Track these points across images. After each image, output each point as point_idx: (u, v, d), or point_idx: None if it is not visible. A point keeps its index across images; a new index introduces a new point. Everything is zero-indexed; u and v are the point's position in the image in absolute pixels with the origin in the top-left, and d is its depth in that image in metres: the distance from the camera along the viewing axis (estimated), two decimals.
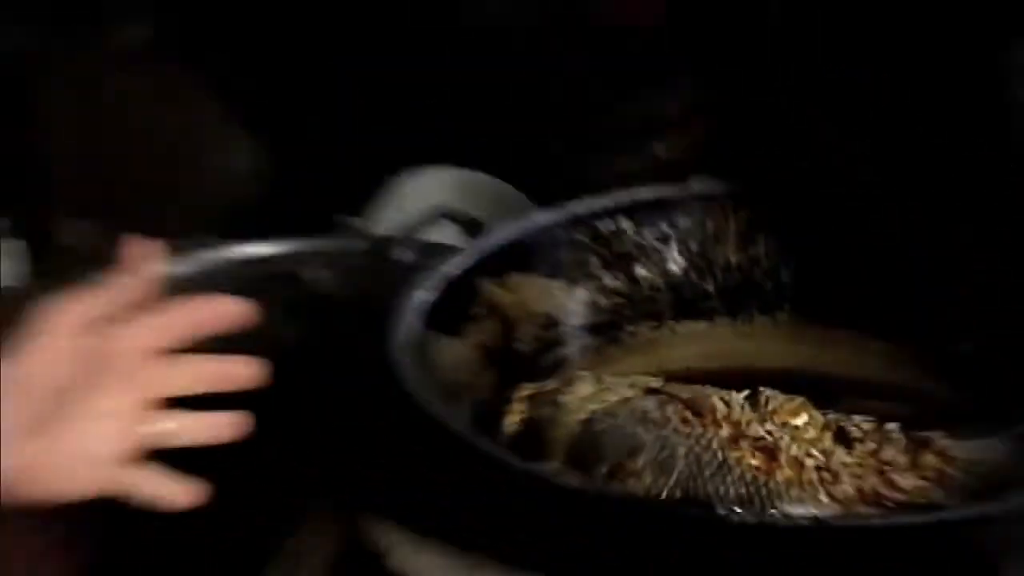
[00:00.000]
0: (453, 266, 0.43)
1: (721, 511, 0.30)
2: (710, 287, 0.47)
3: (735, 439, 0.34)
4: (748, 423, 0.34)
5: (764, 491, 0.31)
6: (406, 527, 0.34)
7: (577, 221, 0.47)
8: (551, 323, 0.45)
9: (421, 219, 0.58)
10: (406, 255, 0.53)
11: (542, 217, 0.48)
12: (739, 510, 0.30)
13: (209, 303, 0.25)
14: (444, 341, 0.40)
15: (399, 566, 0.33)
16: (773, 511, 0.30)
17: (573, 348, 0.44)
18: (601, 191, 0.49)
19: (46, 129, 0.72)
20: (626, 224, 0.46)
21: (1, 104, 0.69)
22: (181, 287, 0.30)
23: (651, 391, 0.37)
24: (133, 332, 0.23)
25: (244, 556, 0.40)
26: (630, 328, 0.46)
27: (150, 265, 0.25)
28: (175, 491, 0.23)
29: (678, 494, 0.31)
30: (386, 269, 0.51)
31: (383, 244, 0.55)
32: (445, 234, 0.58)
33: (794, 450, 0.33)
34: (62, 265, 0.61)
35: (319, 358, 0.45)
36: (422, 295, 0.40)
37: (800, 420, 0.35)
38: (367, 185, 0.64)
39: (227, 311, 0.25)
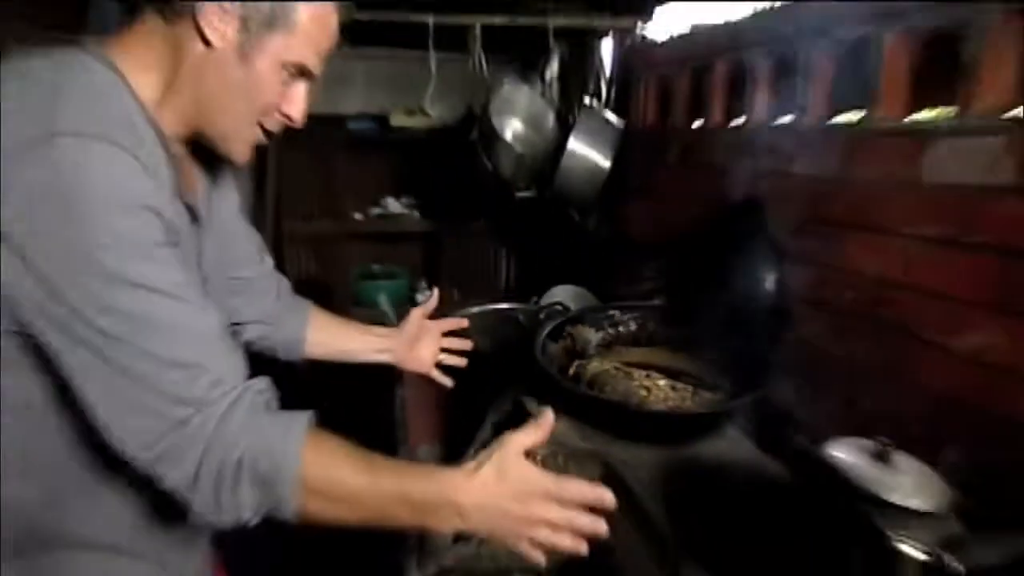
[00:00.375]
0: (559, 320, 1.26)
1: (634, 406, 1.11)
2: (641, 336, 1.29)
3: (642, 385, 1.15)
4: (645, 379, 1.16)
5: (646, 401, 1.12)
6: (539, 403, 1.14)
7: (600, 310, 1.30)
8: (586, 342, 1.27)
9: (555, 301, 1.45)
10: (551, 313, 1.39)
11: (588, 308, 1.30)
12: (639, 406, 1.12)
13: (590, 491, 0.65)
14: (552, 344, 1.23)
15: (534, 414, 1.14)
16: (650, 407, 1.12)
17: (592, 352, 1.26)
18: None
19: None
20: (615, 313, 1.29)
21: None
22: (476, 320, 1.16)
23: (617, 367, 1.19)
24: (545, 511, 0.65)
25: (478, 414, 1.23)
26: (615, 347, 1.27)
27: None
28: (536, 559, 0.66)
29: (623, 399, 1.12)
30: (543, 318, 1.37)
31: (543, 309, 1.41)
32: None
33: (656, 389, 1.14)
34: None
35: (519, 351, 1.29)
36: (547, 328, 1.23)
37: (662, 381, 1.17)
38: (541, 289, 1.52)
39: (600, 501, 0.64)
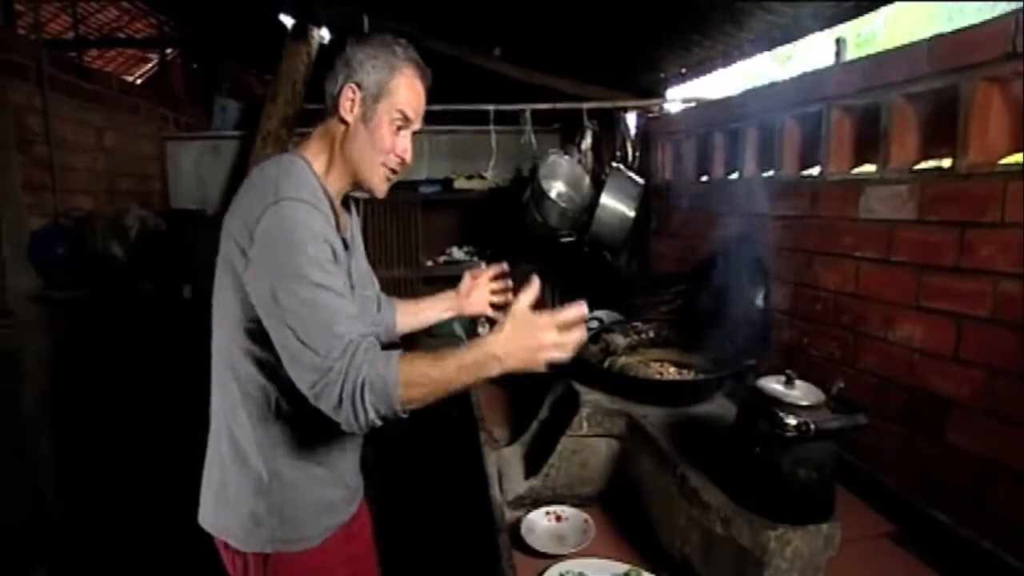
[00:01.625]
0: (597, 329, 1.68)
1: (651, 379, 1.51)
2: (658, 340, 1.69)
3: (657, 371, 1.55)
4: (659, 367, 1.56)
5: (657, 377, 1.51)
6: (583, 385, 1.55)
7: (626, 322, 1.72)
8: (616, 345, 1.68)
9: (595, 317, 1.87)
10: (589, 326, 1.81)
11: (617, 321, 1.72)
12: (652, 378, 1.51)
13: (574, 311, 0.97)
14: (592, 346, 1.65)
15: (583, 395, 1.54)
16: (659, 378, 1.51)
17: (621, 351, 1.66)
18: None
19: None
20: (638, 324, 1.70)
21: None
22: None
23: (639, 361, 1.59)
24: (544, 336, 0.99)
25: (537, 400, 1.64)
26: (639, 348, 1.68)
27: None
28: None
29: (641, 375, 1.52)
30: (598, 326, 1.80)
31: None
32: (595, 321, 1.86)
33: (667, 374, 1.54)
34: None
35: None
36: (589, 334, 1.65)
37: (672, 368, 1.56)
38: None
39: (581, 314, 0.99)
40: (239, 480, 1.10)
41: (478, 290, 1.48)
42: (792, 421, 0.90)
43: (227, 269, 1.02)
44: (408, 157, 1.11)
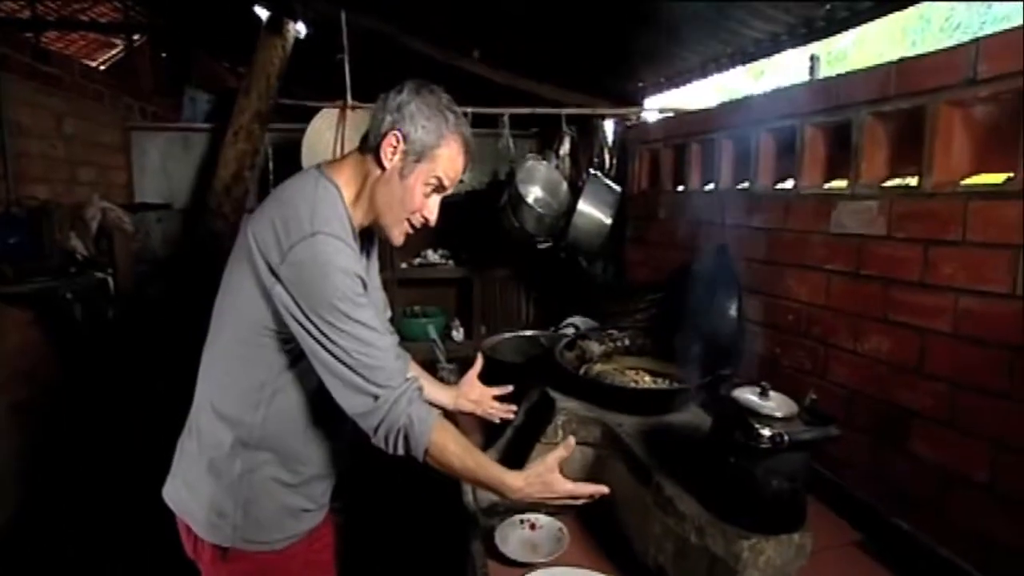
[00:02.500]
0: (572, 336, 1.69)
1: (626, 386, 1.52)
2: (633, 348, 1.70)
3: (632, 379, 1.56)
4: (634, 375, 1.57)
5: (632, 385, 1.53)
6: (558, 392, 1.55)
7: (602, 329, 1.73)
8: (591, 352, 1.69)
9: (570, 323, 1.88)
10: (566, 332, 1.82)
11: (593, 328, 1.73)
12: (627, 386, 1.52)
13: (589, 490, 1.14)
14: (567, 353, 1.65)
15: (558, 402, 1.54)
16: (634, 386, 1.53)
17: (596, 358, 1.67)
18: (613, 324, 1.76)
19: None
20: (614, 332, 1.71)
21: None
22: (508, 342, 1.61)
23: (615, 368, 1.60)
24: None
25: (510, 404, 1.64)
26: (614, 356, 1.69)
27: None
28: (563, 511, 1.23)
29: (617, 383, 1.53)
30: (560, 334, 1.80)
31: (561, 330, 1.84)
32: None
33: (642, 382, 1.55)
34: None
35: (543, 360, 1.72)
36: (563, 341, 1.66)
37: (647, 377, 1.58)
38: (557, 320, 1.98)
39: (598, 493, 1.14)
40: (210, 468, 1.11)
41: (477, 391, 1.55)
42: (767, 432, 0.91)
43: (249, 272, 1.04)
44: (433, 219, 1.15)
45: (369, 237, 1.21)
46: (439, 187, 1.11)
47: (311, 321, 0.99)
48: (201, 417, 1.13)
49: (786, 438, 0.90)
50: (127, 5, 3.99)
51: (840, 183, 1.61)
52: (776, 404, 0.96)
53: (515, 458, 1.45)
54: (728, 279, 1.83)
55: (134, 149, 3.16)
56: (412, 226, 1.13)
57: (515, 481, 1.10)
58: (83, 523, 2.36)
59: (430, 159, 1.07)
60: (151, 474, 1.28)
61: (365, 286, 1.05)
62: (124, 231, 2.54)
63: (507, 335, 2.23)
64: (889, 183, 1.47)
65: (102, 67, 4.70)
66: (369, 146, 1.09)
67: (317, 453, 1.17)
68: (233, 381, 1.10)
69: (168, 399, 2.65)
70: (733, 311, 1.77)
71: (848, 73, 1.55)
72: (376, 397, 1.01)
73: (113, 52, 4.73)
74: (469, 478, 1.13)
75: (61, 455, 2.40)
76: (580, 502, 1.15)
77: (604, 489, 1.15)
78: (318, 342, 1.00)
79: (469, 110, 2.50)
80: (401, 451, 1.05)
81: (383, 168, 1.07)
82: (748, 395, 1.00)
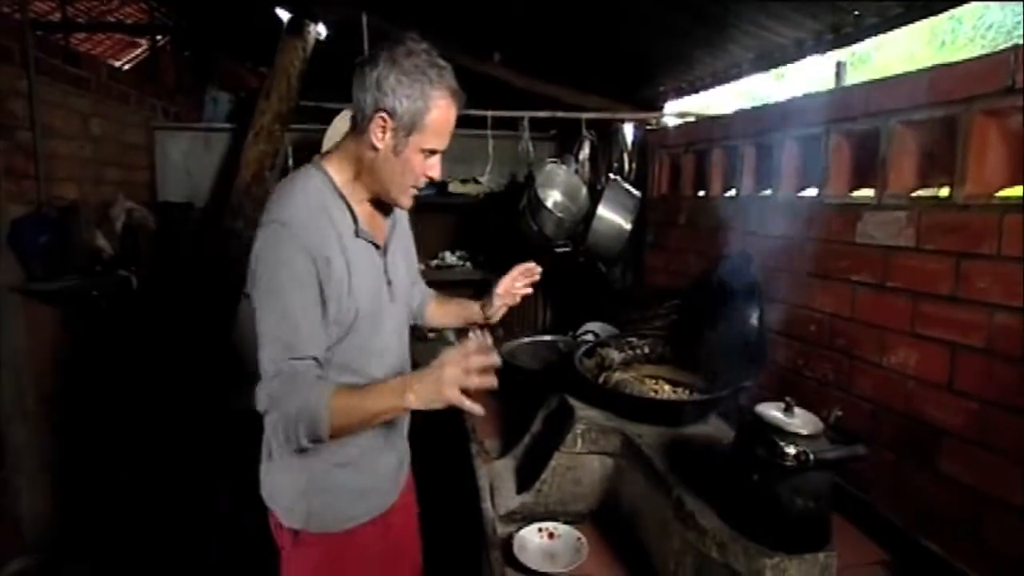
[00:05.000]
0: (591, 343, 1.68)
1: (646, 397, 1.51)
2: (652, 356, 1.69)
3: (651, 388, 1.55)
4: (654, 384, 1.56)
5: (653, 395, 1.51)
6: (577, 399, 1.54)
7: (622, 336, 1.72)
8: (611, 360, 1.68)
9: (589, 330, 1.87)
10: (585, 339, 1.81)
11: (613, 335, 1.72)
12: (647, 397, 1.51)
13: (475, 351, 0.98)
14: (586, 360, 1.64)
15: (577, 411, 1.53)
16: (655, 396, 1.51)
17: (616, 366, 1.66)
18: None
19: None
20: (633, 339, 1.70)
21: None
22: (526, 347, 1.61)
23: (634, 377, 1.59)
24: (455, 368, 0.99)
25: (529, 414, 1.64)
26: (634, 364, 1.68)
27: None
28: (475, 409, 1.00)
29: (637, 393, 1.52)
30: (579, 342, 1.79)
31: (580, 337, 1.83)
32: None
33: (661, 390, 1.54)
34: None
35: (561, 367, 1.72)
36: (582, 348, 1.65)
37: (667, 386, 1.56)
38: (575, 326, 1.98)
39: (483, 356, 0.98)
40: (279, 458, 1.19)
41: (502, 285, 1.53)
42: (792, 451, 0.90)
43: None
44: (436, 175, 1.15)
45: (387, 211, 1.24)
46: (435, 151, 1.12)
47: (256, 312, 1.06)
48: None
49: (811, 457, 0.89)
50: (152, 6, 4.05)
51: (866, 193, 1.58)
52: (801, 421, 0.95)
53: (532, 466, 1.46)
54: (749, 287, 1.80)
55: (157, 149, 3.21)
56: (418, 188, 1.16)
57: (411, 378, 1.04)
58: (123, 519, 2.41)
59: (420, 129, 1.06)
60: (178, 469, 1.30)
61: (331, 265, 1.06)
62: (148, 230, 2.57)
63: (525, 340, 2.23)
64: (918, 193, 1.44)
65: (126, 67, 4.77)
66: (358, 128, 1.09)
67: (368, 436, 1.20)
68: None
69: (186, 394, 2.71)
70: (754, 320, 1.74)
71: (877, 81, 1.52)
72: (281, 371, 1.02)
73: (137, 52, 4.80)
74: (378, 417, 1.07)
75: (93, 447, 2.45)
76: (482, 362, 1.01)
77: (486, 339, 1.06)
78: (256, 315, 1.06)
79: (489, 113, 2.52)
80: (305, 443, 1.02)
81: (376, 149, 1.08)
82: (773, 411, 0.98)
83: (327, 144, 2.67)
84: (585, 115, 2.49)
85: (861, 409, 1.51)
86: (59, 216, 2.26)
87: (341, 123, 2.69)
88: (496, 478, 1.50)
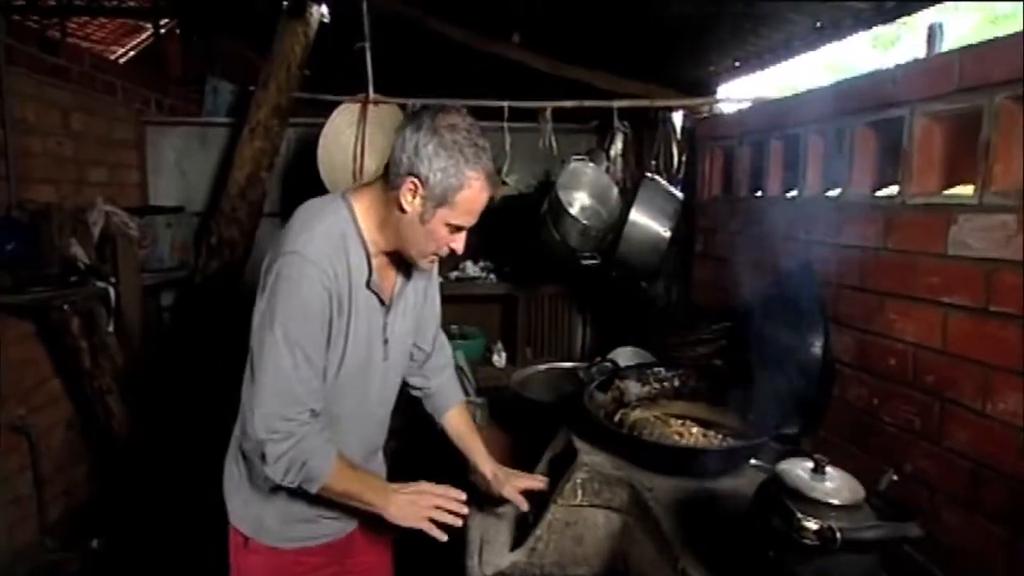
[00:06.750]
0: (607, 374, 1.55)
1: (668, 444, 1.37)
2: (683, 391, 1.54)
3: (676, 431, 1.40)
4: (680, 426, 1.42)
5: (680, 442, 1.37)
6: (584, 441, 1.41)
7: (645, 367, 1.58)
8: (629, 395, 1.54)
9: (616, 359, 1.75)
10: (601, 369, 1.69)
11: (634, 364, 1.59)
12: (672, 442, 1.36)
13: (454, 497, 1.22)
14: (601, 395, 1.51)
15: (581, 455, 1.41)
16: (673, 442, 1.37)
17: (634, 402, 1.52)
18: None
19: None
20: (660, 370, 1.57)
21: None
22: (541, 375, 1.48)
23: (656, 416, 1.46)
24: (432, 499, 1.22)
25: (536, 453, 1.52)
26: (660, 399, 1.53)
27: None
28: (437, 535, 1.20)
29: (657, 439, 1.38)
30: (595, 373, 1.67)
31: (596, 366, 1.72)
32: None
33: (688, 435, 1.40)
34: None
35: (571, 396, 1.61)
36: (595, 381, 1.52)
37: (695, 429, 1.43)
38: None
39: (457, 503, 1.21)
40: (238, 456, 1.32)
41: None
42: (812, 525, 0.78)
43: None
44: (460, 250, 1.25)
45: (405, 268, 1.33)
46: (462, 226, 1.21)
47: (257, 336, 1.16)
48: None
49: (838, 535, 0.75)
50: None
51: (963, 190, 1.40)
52: (835, 486, 0.82)
53: (533, 515, 1.39)
54: (812, 309, 1.64)
55: (148, 146, 3.28)
56: (439, 255, 1.25)
57: (393, 491, 1.23)
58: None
59: (452, 205, 1.15)
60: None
61: (341, 308, 1.19)
62: (129, 237, 2.60)
63: (541, 367, 2.15)
64: None
65: (130, 54, 4.93)
66: (390, 183, 1.18)
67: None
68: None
69: (170, 417, 2.71)
70: (818, 348, 1.57)
71: (978, 44, 1.34)
72: (276, 432, 1.14)
73: (142, 37, 4.95)
74: (361, 504, 1.23)
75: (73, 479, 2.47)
76: (451, 504, 1.22)
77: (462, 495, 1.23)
78: (256, 355, 1.16)
79: (505, 104, 2.44)
80: (293, 487, 1.18)
81: (403, 211, 1.16)
82: (798, 471, 0.85)
83: (323, 142, 2.65)
84: (617, 103, 2.37)
85: (956, 467, 1.34)
86: (30, 221, 2.29)
87: (340, 118, 2.67)
88: (489, 530, 1.45)
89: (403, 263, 1.31)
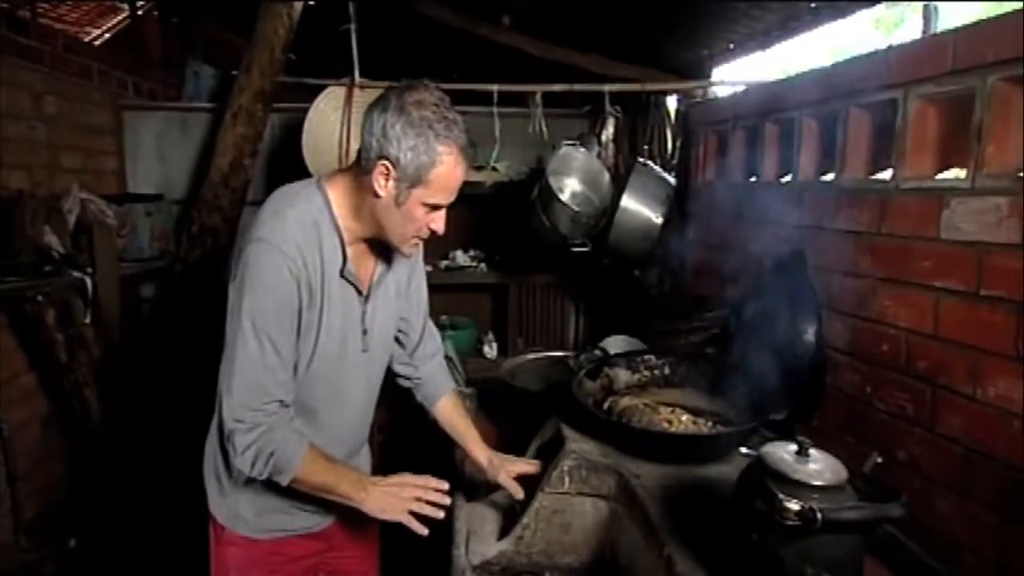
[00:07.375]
0: (596, 362, 1.58)
1: (655, 430, 1.39)
2: (672, 379, 1.57)
3: (665, 418, 1.43)
4: (669, 414, 1.45)
5: (667, 428, 1.40)
6: (573, 429, 1.43)
7: (634, 355, 1.60)
8: (618, 382, 1.56)
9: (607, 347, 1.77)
10: (590, 357, 1.71)
11: (623, 352, 1.61)
12: (661, 429, 1.39)
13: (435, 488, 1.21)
14: (590, 383, 1.53)
15: (569, 443, 1.43)
16: (667, 429, 1.39)
17: (623, 390, 1.55)
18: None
19: None
20: (650, 358, 1.59)
21: None
22: (530, 364, 1.50)
23: (646, 404, 1.48)
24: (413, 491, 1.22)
25: (524, 441, 1.54)
26: (649, 387, 1.56)
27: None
28: (418, 529, 1.18)
29: (645, 426, 1.40)
30: (583, 361, 1.69)
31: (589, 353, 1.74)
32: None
33: (677, 423, 1.42)
34: None
35: (560, 384, 1.63)
36: (584, 369, 1.54)
37: (684, 416, 1.45)
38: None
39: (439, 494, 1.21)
40: (212, 454, 1.34)
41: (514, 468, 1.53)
42: (793, 506, 0.80)
43: None
44: (440, 229, 1.23)
45: (384, 254, 1.33)
46: (438, 207, 1.20)
47: (229, 324, 1.17)
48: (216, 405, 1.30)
49: (819, 515, 0.77)
50: None
51: (956, 173, 1.42)
52: (817, 467, 0.85)
53: (521, 503, 1.41)
54: (806, 295, 1.67)
55: (126, 131, 3.27)
56: (421, 238, 1.24)
57: (371, 482, 1.23)
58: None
59: (426, 184, 1.14)
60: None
61: (311, 297, 1.19)
62: (106, 225, 2.60)
63: (530, 357, 2.17)
64: None
65: (107, 35, 4.88)
66: (362, 168, 1.17)
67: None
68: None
69: (149, 413, 2.72)
70: (810, 336, 1.60)
71: (973, 24, 1.36)
72: (244, 422, 1.15)
73: (119, 19, 4.90)
74: (333, 495, 1.23)
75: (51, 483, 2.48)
76: (430, 495, 1.21)
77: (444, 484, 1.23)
78: (228, 344, 1.17)
79: (495, 88, 2.45)
80: (263, 477, 1.19)
81: (378, 196, 1.16)
82: (781, 453, 0.87)
83: (308, 127, 2.66)
84: (608, 87, 2.38)
85: (949, 453, 1.37)
86: (1, 208, 2.29)
87: (325, 103, 2.68)
88: (476, 519, 1.46)
89: (384, 251, 1.30)
